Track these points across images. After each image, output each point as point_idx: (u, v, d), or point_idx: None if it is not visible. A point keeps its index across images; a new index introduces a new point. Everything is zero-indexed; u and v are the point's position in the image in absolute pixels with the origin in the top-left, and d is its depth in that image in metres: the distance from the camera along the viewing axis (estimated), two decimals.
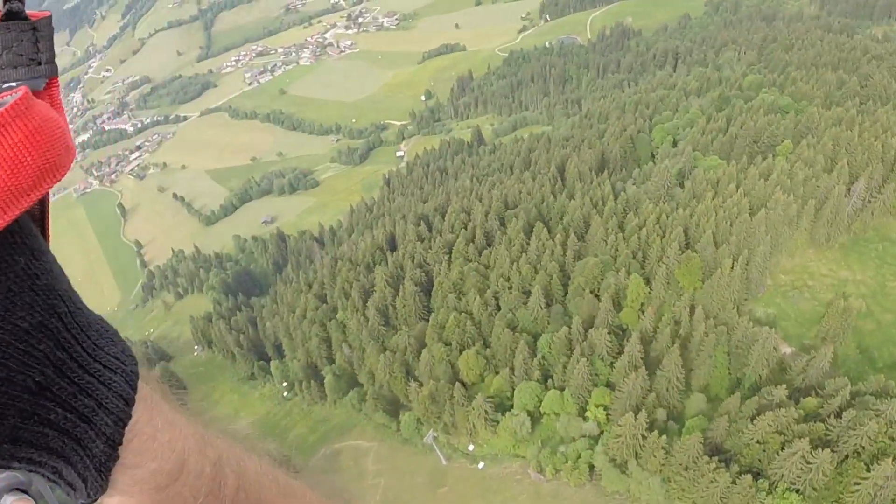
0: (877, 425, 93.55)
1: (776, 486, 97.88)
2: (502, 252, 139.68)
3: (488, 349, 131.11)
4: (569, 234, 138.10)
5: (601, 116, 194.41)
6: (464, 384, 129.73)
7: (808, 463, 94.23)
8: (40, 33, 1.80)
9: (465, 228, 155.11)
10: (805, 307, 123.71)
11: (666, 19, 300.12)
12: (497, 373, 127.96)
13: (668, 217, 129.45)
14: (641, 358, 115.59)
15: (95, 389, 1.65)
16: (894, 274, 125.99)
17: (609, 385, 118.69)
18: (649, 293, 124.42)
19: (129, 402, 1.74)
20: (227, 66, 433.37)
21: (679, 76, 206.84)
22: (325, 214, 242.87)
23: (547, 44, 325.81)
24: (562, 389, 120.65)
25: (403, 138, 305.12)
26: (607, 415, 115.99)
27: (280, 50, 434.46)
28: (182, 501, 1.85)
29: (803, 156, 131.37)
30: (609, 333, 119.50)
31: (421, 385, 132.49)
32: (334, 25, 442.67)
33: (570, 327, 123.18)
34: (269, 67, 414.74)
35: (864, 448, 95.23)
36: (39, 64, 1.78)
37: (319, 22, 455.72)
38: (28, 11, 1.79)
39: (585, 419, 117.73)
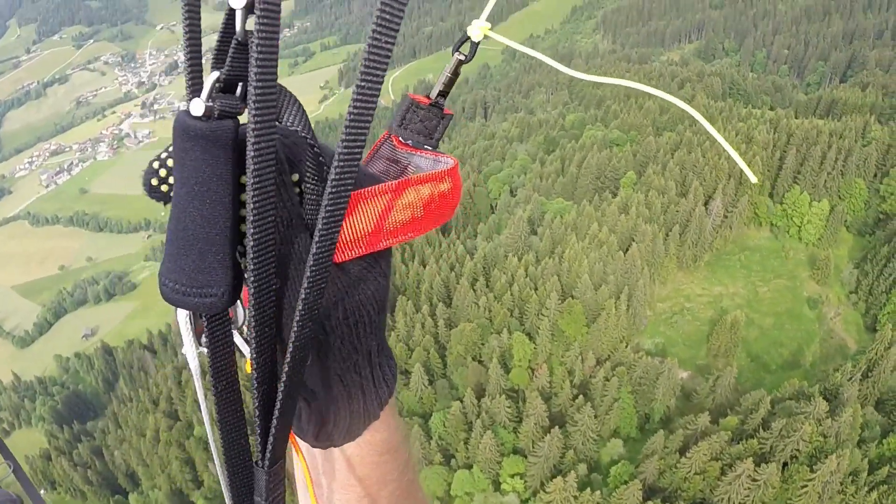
0: (809, 427, 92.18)
1: None
2: None
3: None
4: (434, 303, 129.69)
5: None
6: None
7: (755, 480, 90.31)
8: (442, 123, 2.19)
9: None
10: (689, 329, 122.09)
11: (466, 72, 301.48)
12: None
13: (536, 268, 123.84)
14: (547, 417, 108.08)
15: (385, 375, 2.00)
16: (762, 280, 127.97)
17: (517, 451, 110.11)
18: (535, 349, 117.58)
19: (391, 392, 2.10)
20: (20, 169, 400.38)
21: (495, 124, 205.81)
22: (150, 318, 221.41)
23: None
24: (469, 467, 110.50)
25: None
26: (524, 483, 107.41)
27: (75, 146, 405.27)
28: (386, 470, 2.22)
29: (654, 184, 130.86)
30: (507, 398, 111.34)
31: None
32: (129, 115, 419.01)
33: (461, 400, 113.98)
34: (66, 166, 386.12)
35: (800, 451, 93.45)
36: (430, 138, 2.17)
37: (113, 113, 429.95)
38: (446, 109, 2.23)
39: (503, 493, 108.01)
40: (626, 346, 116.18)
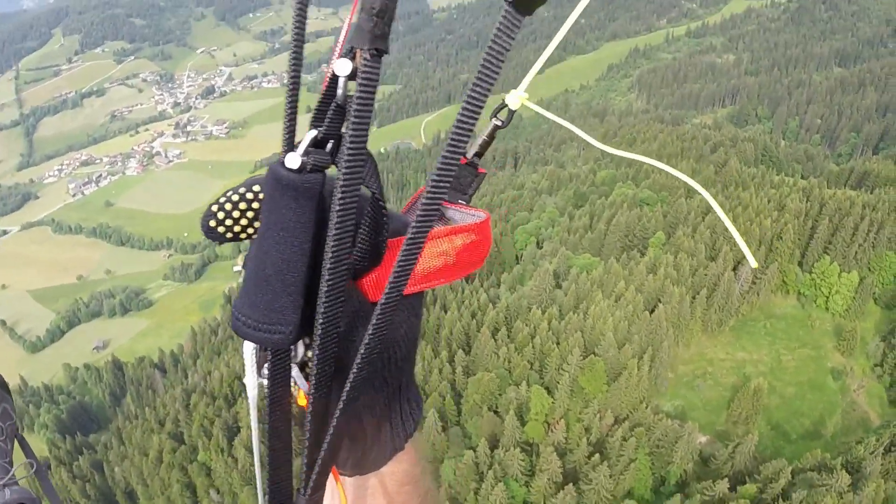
0: (831, 500, 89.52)
1: None
2: None
3: None
4: (453, 350, 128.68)
5: None
6: None
7: None
8: (476, 180, 2.43)
9: None
10: (710, 394, 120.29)
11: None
12: None
13: (559, 322, 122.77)
14: (561, 472, 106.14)
15: (412, 411, 2.21)
16: (786, 348, 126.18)
17: None
18: (552, 403, 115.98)
19: (416, 422, 2.26)
20: (49, 176, 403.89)
21: (525, 175, 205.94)
22: (162, 338, 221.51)
23: (382, 149, 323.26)
24: None
25: (240, 252, 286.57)
26: None
27: (105, 159, 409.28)
28: (406, 500, 2.35)
29: (683, 246, 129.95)
30: (521, 451, 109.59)
31: None
32: (162, 134, 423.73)
33: (474, 450, 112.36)
34: (95, 178, 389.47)
35: None
36: (464, 194, 2.39)
37: (146, 130, 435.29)
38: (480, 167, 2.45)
39: None
40: (646, 407, 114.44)
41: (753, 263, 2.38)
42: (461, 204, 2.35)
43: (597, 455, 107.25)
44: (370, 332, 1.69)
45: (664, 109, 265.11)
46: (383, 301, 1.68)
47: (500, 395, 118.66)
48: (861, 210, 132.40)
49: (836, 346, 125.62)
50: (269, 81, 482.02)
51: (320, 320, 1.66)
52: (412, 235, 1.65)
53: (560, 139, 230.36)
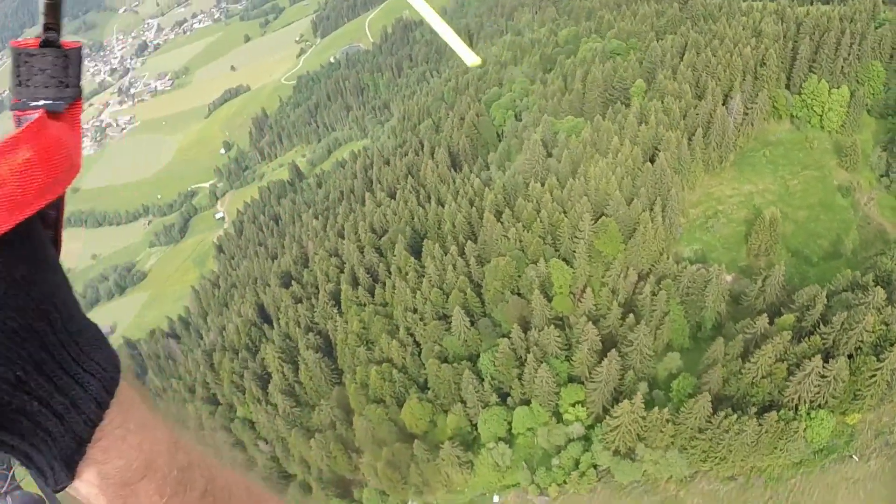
0: (871, 317, 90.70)
1: (799, 411, 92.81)
2: (399, 284, 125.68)
3: (428, 391, 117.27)
4: (461, 242, 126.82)
5: (421, 113, 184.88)
6: (414, 436, 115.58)
7: (823, 377, 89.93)
8: (70, 60, 2.06)
9: (342, 272, 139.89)
10: (726, 232, 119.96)
11: (442, 3, 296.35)
12: (446, 412, 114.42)
13: (561, 191, 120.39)
14: (599, 340, 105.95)
15: (71, 390, 1.82)
16: (790, 173, 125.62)
17: (573, 380, 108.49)
18: (574, 273, 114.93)
19: (102, 405, 1.90)
20: None
21: (484, 51, 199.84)
22: (166, 305, 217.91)
23: (332, 59, 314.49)
24: (527, 403, 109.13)
25: (217, 198, 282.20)
26: (587, 410, 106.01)
27: None
28: (147, 498, 2.04)
29: (668, 90, 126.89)
30: (554, 328, 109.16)
31: (369, 456, 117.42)
32: (107, 105, 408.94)
33: (508, 336, 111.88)
34: None
35: (863, 342, 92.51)
36: (67, 87, 2.02)
37: (91, 105, 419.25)
38: (63, 40, 2.03)
39: (566, 423, 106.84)
40: (668, 258, 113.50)
41: (471, 60, 2.12)
42: (31, 111, 1.90)
43: (630, 315, 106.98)
44: None
45: None
46: None
47: (519, 276, 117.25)
48: (839, 24, 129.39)
49: (839, 163, 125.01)
50: (199, 21, 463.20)
51: None
52: None
53: (510, 7, 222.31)
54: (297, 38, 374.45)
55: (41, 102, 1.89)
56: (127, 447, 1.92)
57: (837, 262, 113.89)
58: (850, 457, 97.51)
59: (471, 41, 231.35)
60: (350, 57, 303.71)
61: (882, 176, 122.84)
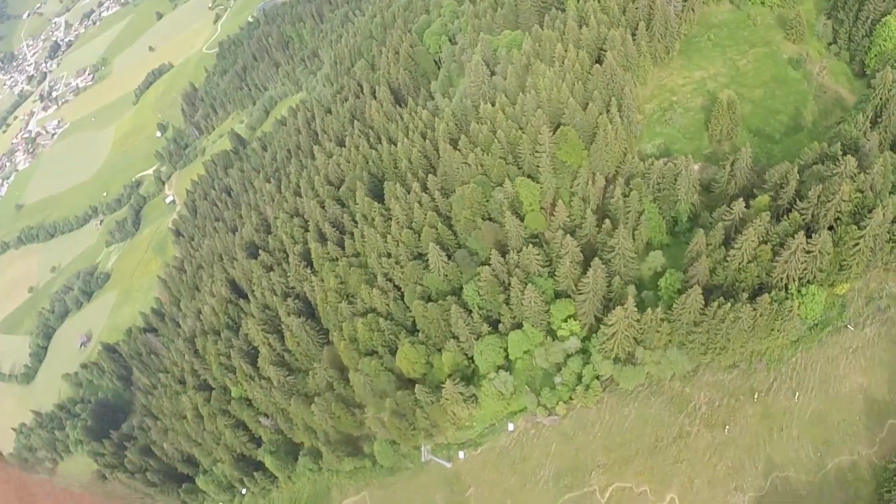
0: (846, 186, 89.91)
1: (789, 290, 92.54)
2: (367, 232, 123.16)
3: (418, 333, 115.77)
4: (421, 177, 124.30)
5: (353, 55, 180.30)
6: (414, 381, 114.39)
7: (808, 252, 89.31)
8: None
9: (307, 231, 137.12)
10: (684, 122, 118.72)
11: None
12: (440, 350, 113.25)
13: (513, 108, 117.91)
14: (580, 251, 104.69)
15: None
16: (738, 53, 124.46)
17: (560, 295, 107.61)
18: (541, 188, 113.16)
19: None
20: None
21: None
22: (136, 300, 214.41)
23: (250, 18, 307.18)
24: (519, 326, 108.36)
25: (164, 183, 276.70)
26: (580, 323, 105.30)
27: None
28: None
29: None
30: (532, 246, 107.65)
31: (372, 409, 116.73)
32: (32, 114, 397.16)
33: (488, 263, 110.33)
34: None
35: (842, 212, 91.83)
36: None
37: (15, 118, 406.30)
38: None
39: (561, 339, 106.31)
40: (633, 157, 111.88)
41: None
42: None
43: (606, 221, 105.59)
44: None
45: None
46: None
47: (486, 201, 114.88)
48: None
49: (786, 36, 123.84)
50: (107, 9, 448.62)
51: None
52: None
53: None
54: (211, 4, 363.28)
55: None
56: None
57: (800, 135, 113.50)
58: (846, 327, 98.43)
59: None
60: (268, 13, 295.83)
61: (830, 44, 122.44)
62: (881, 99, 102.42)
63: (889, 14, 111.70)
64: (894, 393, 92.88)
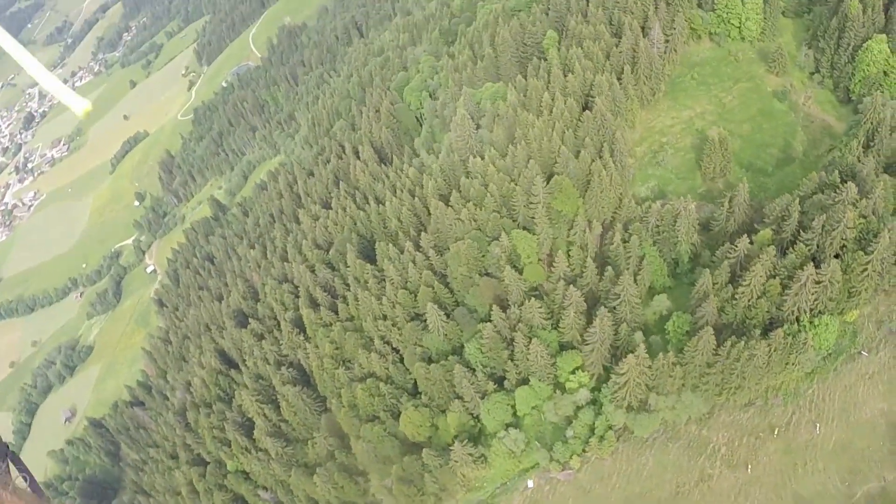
0: (850, 213, 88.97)
1: (801, 321, 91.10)
2: (361, 295, 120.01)
3: (421, 395, 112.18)
4: (413, 236, 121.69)
5: (331, 116, 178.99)
6: (419, 445, 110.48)
7: (818, 282, 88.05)
8: None
9: (298, 297, 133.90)
10: (676, 162, 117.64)
11: (319, 2, 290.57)
12: (444, 412, 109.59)
13: (504, 159, 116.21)
14: (583, 300, 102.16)
15: None
16: (723, 90, 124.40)
17: (565, 347, 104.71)
18: (538, 240, 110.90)
19: None
20: None
21: (378, 39, 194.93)
22: (121, 373, 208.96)
23: (223, 83, 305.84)
24: (526, 381, 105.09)
25: (144, 252, 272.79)
26: (589, 374, 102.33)
27: None
28: None
29: (583, 34, 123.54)
30: (535, 300, 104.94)
31: (376, 476, 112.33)
32: (8, 186, 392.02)
33: (489, 320, 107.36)
34: None
35: (847, 239, 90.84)
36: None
37: None
38: None
39: (570, 392, 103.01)
40: (630, 202, 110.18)
41: (80, 107, 1.89)
42: None
43: (608, 268, 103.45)
44: None
45: None
46: None
47: (482, 256, 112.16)
48: None
49: (768, 69, 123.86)
50: (80, 79, 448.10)
51: None
52: None
53: None
54: (184, 72, 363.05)
55: None
56: None
57: (792, 166, 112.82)
58: (860, 353, 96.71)
59: (361, 33, 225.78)
60: (242, 77, 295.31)
61: (812, 73, 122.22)
62: (872, 123, 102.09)
63: (870, 39, 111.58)
64: None
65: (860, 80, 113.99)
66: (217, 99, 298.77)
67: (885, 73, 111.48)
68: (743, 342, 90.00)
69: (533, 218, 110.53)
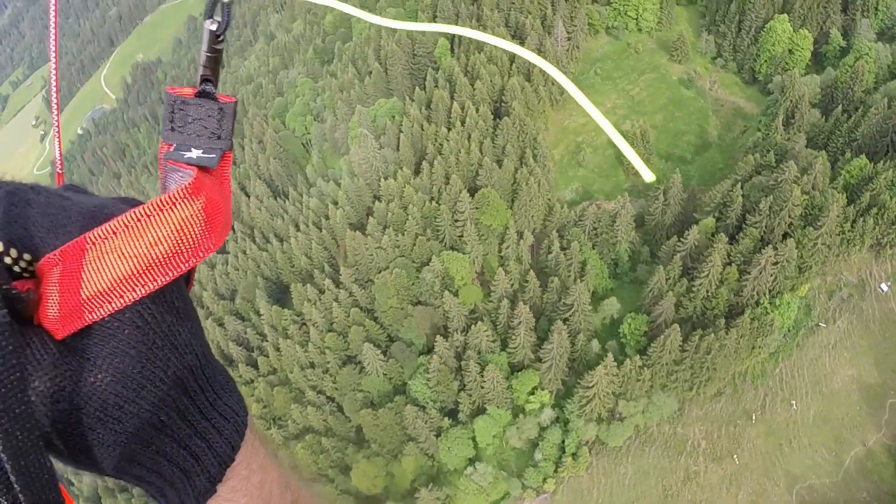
0: (796, 189, 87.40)
1: (764, 304, 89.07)
2: (283, 344, 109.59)
3: (369, 444, 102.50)
4: (329, 273, 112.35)
5: None
6: (377, 499, 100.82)
7: (775, 263, 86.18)
8: (225, 113, 2.02)
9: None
10: (597, 160, 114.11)
11: (170, 33, 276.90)
12: (397, 457, 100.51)
13: (418, 178, 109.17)
14: (533, 316, 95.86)
15: (209, 434, 1.87)
16: (629, 83, 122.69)
17: (515, 368, 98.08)
18: (470, 258, 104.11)
19: (234, 448, 1.94)
20: None
21: (243, 66, 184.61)
22: None
23: (79, 131, 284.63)
24: (482, 411, 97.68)
25: None
26: (549, 392, 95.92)
27: None
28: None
29: (476, 40, 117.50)
30: (482, 323, 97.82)
31: None
32: None
33: (432, 352, 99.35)
34: None
35: (794, 217, 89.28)
36: (219, 138, 1.99)
37: None
38: (218, 94, 2.02)
39: (532, 414, 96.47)
40: (562, 207, 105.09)
41: (650, 176, 1.98)
42: (184, 164, 1.90)
43: (553, 278, 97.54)
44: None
45: None
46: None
47: (412, 284, 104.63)
48: None
49: (670, 58, 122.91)
50: None
51: None
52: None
53: (252, 13, 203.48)
54: (34, 122, 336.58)
55: (194, 154, 1.85)
56: (251, 486, 1.97)
57: (710, 151, 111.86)
58: (818, 325, 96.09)
59: (224, 62, 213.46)
60: (98, 122, 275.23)
61: (714, 58, 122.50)
62: (791, 101, 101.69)
63: (772, 19, 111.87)
64: (884, 374, 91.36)
65: (766, 61, 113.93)
66: (74, 148, 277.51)
67: (790, 51, 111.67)
68: (711, 333, 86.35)
69: (461, 236, 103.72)
